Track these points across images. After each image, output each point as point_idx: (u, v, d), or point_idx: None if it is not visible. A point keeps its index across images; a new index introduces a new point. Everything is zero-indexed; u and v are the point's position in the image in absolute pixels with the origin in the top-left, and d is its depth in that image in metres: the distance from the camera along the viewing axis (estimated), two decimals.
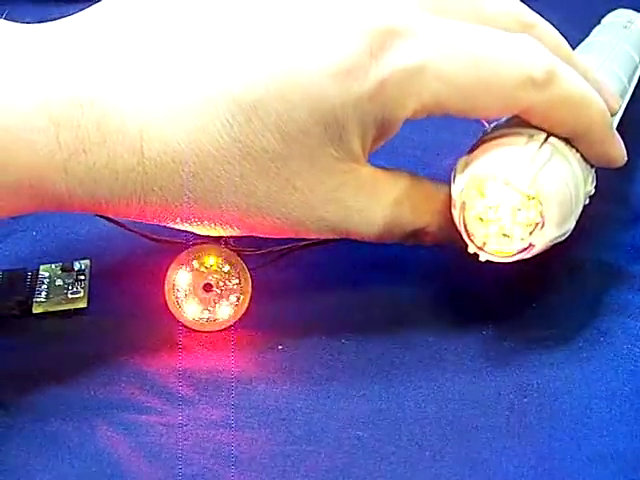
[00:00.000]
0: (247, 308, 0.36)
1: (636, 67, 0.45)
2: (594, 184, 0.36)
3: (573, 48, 0.43)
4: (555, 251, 0.35)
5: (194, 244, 0.35)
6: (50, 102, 0.30)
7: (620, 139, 0.36)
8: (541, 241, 0.32)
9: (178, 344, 0.35)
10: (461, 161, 0.33)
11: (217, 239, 0.35)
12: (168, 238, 0.37)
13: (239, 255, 0.35)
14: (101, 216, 0.35)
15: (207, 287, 0.36)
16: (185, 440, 0.31)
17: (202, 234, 0.34)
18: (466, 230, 0.33)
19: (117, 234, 0.37)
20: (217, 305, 0.36)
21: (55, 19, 0.33)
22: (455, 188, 0.33)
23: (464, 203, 0.32)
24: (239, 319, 0.36)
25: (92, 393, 0.33)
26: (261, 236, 0.34)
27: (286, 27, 0.32)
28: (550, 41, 0.34)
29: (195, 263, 0.35)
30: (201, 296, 0.36)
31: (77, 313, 0.37)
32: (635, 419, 0.32)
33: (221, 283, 0.36)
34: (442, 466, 0.30)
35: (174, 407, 0.32)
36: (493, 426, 0.31)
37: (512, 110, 0.34)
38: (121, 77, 0.31)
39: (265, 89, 0.31)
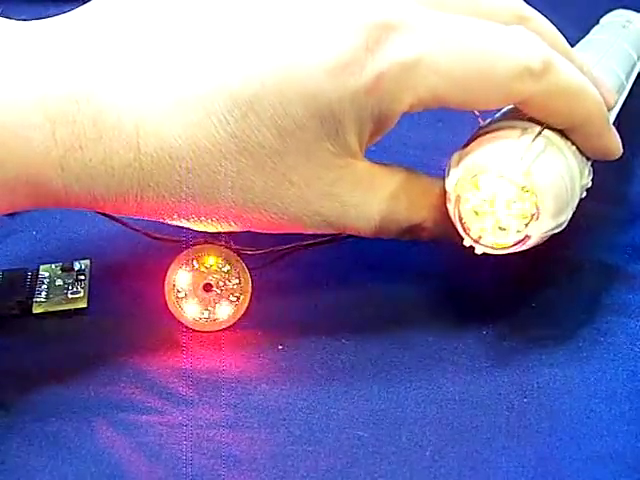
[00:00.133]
0: (247, 308, 0.36)
1: (634, 65, 0.46)
2: (590, 177, 0.36)
3: (572, 47, 0.43)
4: (555, 251, 0.35)
5: (194, 243, 0.35)
6: (46, 98, 0.30)
7: (616, 132, 0.36)
8: (537, 232, 0.32)
9: (178, 344, 0.35)
10: (455, 155, 0.34)
11: (217, 239, 0.35)
12: (168, 236, 0.37)
13: (239, 255, 0.35)
14: (102, 214, 0.35)
15: (207, 287, 0.36)
16: (185, 440, 0.31)
17: (199, 230, 0.34)
18: (461, 224, 0.33)
19: (117, 234, 0.37)
20: (217, 305, 0.36)
21: (51, 17, 0.33)
22: (449, 182, 0.33)
23: (459, 197, 0.33)
24: (239, 319, 0.36)
25: (92, 393, 0.33)
26: (258, 231, 0.34)
27: (282, 22, 0.32)
28: (547, 35, 0.35)
29: (195, 263, 0.35)
30: (201, 296, 0.36)
31: (77, 313, 0.37)
32: (635, 419, 0.32)
33: (221, 283, 0.36)
34: (442, 466, 0.30)
35: (174, 407, 0.32)
36: (493, 426, 0.31)
37: (509, 101, 0.34)
38: (117, 73, 0.31)
39: (261, 84, 0.31)
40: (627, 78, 0.43)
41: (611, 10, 0.52)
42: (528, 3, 0.36)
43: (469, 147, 0.33)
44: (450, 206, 0.33)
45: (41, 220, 0.42)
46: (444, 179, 0.34)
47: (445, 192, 0.33)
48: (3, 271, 0.38)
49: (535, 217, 0.32)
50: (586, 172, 0.35)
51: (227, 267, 0.35)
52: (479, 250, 0.33)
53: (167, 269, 0.35)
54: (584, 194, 0.35)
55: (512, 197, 0.32)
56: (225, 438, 0.31)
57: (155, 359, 0.35)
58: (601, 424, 0.31)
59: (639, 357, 0.34)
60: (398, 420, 0.32)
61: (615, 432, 0.31)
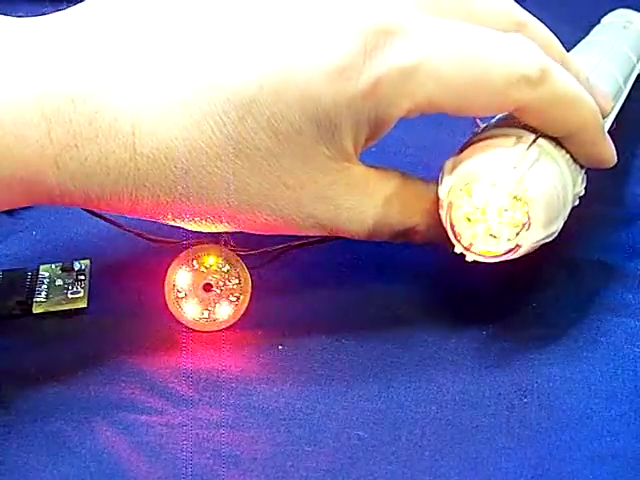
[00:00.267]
0: (247, 308, 0.36)
1: (633, 68, 0.46)
2: (584, 185, 0.36)
3: (572, 47, 0.43)
4: (554, 252, 0.35)
5: (194, 244, 0.35)
6: (42, 97, 0.30)
7: (610, 141, 0.36)
8: (527, 242, 0.32)
9: (178, 344, 0.35)
10: (449, 162, 0.34)
11: (217, 239, 0.35)
12: (163, 238, 0.37)
13: (239, 255, 0.35)
14: (98, 216, 0.35)
15: (207, 287, 0.36)
16: (185, 440, 0.31)
17: (194, 230, 0.34)
18: (453, 230, 0.33)
19: (117, 234, 0.37)
20: (217, 305, 0.36)
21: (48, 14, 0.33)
22: (442, 189, 0.33)
23: (451, 203, 0.33)
24: (239, 319, 0.36)
25: (92, 393, 0.33)
26: (252, 232, 0.34)
27: (281, 25, 0.32)
28: (543, 41, 0.35)
29: (195, 263, 0.35)
30: (201, 296, 0.36)
31: (77, 313, 0.37)
32: (635, 419, 0.32)
33: (221, 283, 0.36)
34: (442, 466, 0.30)
35: (174, 407, 0.32)
36: (493, 426, 0.31)
37: (506, 108, 0.34)
38: (114, 73, 0.31)
39: (259, 87, 0.31)
40: (625, 82, 0.43)
41: (612, 10, 0.52)
42: (530, 3, 0.36)
43: (463, 154, 0.33)
44: (442, 212, 0.33)
45: (41, 220, 0.42)
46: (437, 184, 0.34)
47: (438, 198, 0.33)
48: (3, 271, 0.38)
49: (526, 226, 0.32)
50: (579, 180, 0.35)
51: (227, 267, 0.35)
52: (469, 258, 0.33)
53: (167, 269, 0.35)
54: (577, 202, 0.35)
55: (504, 206, 0.32)
56: (225, 438, 0.31)
57: (155, 359, 0.35)
58: (601, 424, 0.31)
59: (639, 357, 0.34)
60: (398, 420, 0.32)
61: (615, 432, 0.31)
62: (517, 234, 0.32)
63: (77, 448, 0.31)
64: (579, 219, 0.35)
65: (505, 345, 0.35)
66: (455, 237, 0.33)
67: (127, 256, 0.40)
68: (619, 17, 0.51)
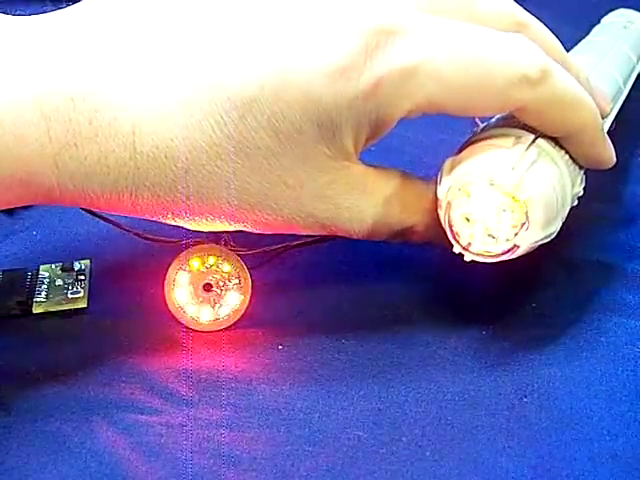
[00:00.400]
0: (247, 308, 0.36)
1: (633, 68, 0.46)
2: (583, 185, 0.36)
3: (572, 47, 0.43)
4: (554, 252, 0.35)
5: (194, 244, 0.35)
6: (42, 96, 0.30)
7: (610, 141, 0.37)
8: (526, 242, 0.32)
9: (178, 344, 0.35)
10: (448, 162, 0.34)
11: (217, 239, 0.35)
12: (163, 238, 0.37)
13: (239, 255, 0.35)
14: (97, 216, 0.35)
15: (207, 287, 0.36)
16: (185, 440, 0.31)
17: (194, 229, 0.34)
18: (451, 230, 0.33)
19: (117, 234, 0.37)
20: (217, 305, 0.36)
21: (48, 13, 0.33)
22: (441, 189, 0.33)
23: (449, 203, 0.33)
24: (239, 319, 0.36)
25: (92, 393, 0.33)
26: (252, 231, 0.34)
27: (282, 25, 0.32)
28: (543, 42, 0.35)
29: (195, 263, 0.35)
30: (201, 296, 0.36)
31: (77, 313, 0.37)
32: (635, 419, 0.32)
33: (221, 283, 0.36)
34: (442, 466, 0.30)
35: (174, 407, 0.32)
36: (493, 426, 0.31)
37: (506, 109, 0.34)
38: (114, 72, 0.31)
39: (260, 87, 0.31)
40: (625, 82, 0.43)
41: (612, 10, 0.52)
42: (530, 3, 0.36)
43: (462, 154, 0.33)
44: (441, 212, 0.33)
45: (41, 220, 0.42)
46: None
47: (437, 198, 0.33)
48: (3, 271, 0.38)
49: (525, 227, 0.32)
50: (578, 181, 0.35)
51: (227, 267, 0.35)
52: (468, 258, 0.33)
53: (167, 269, 0.35)
54: (576, 202, 0.35)
55: (502, 206, 0.32)
56: (225, 438, 0.31)
57: (155, 359, 0.35)
58: (601, 424, 0.31)
59: (639, 357, 0.34)
60: (398, 420, 0.32)
61: (615, 432, 0.31)
62: (515, 234, 0.32)
63: (77, 448, 0.31)
64: (578, 219, 0.35)
65: (505, 345, 0.35)
66: (453, 237, 0.33)
67: (127, 256, 0.40)
68: (619, 17, 0.51)
